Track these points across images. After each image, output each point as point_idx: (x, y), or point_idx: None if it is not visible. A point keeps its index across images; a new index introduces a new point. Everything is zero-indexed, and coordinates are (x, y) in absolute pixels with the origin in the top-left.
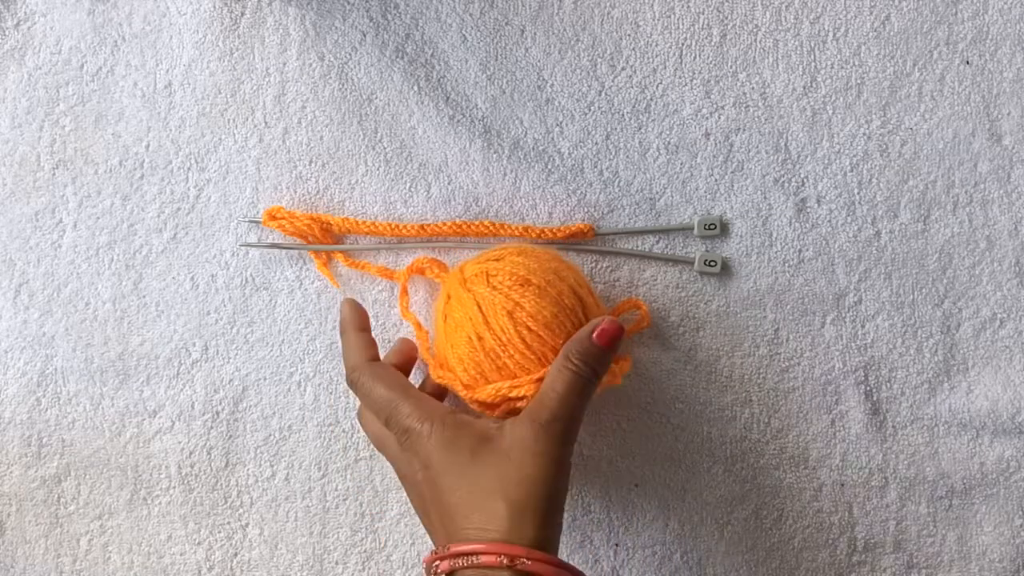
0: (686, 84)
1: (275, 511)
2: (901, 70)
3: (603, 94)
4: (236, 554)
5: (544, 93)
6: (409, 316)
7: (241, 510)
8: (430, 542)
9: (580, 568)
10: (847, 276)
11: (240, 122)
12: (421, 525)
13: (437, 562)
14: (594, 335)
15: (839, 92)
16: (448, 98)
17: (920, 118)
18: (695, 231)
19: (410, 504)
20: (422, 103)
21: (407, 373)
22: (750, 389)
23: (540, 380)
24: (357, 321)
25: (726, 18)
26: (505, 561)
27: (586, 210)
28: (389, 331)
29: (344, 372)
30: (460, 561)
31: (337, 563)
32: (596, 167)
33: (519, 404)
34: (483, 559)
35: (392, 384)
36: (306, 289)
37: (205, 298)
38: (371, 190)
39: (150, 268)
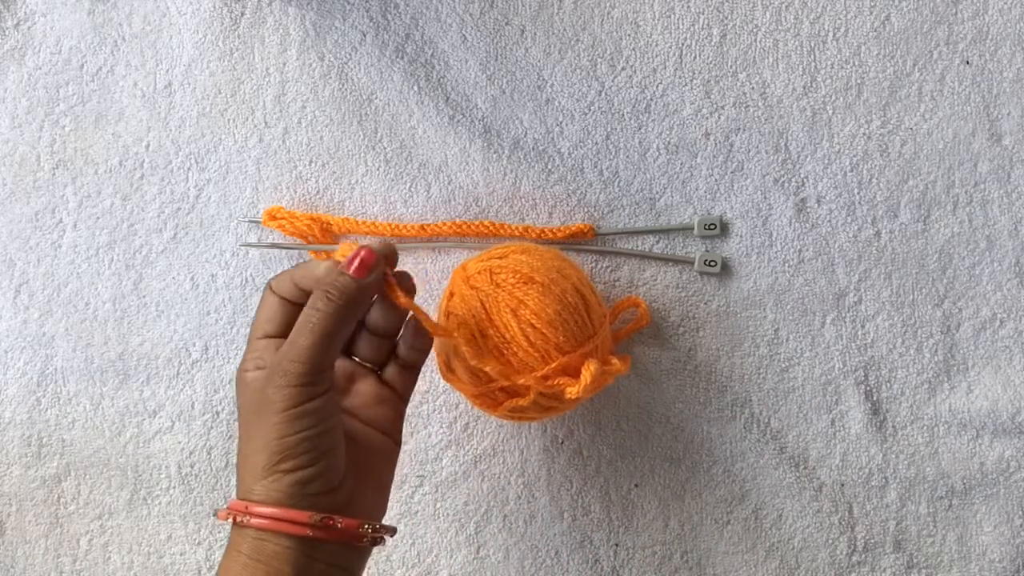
0: (686, 84)
1: None
2: (901, 70)
3: (603, 94)
4: None
5: (544, 93)
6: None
7: None
8: (430, 542)
9: (578, 568)
10: (847, 276)
11: (240, 122)
12: (421, 525)
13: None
14: (344, 268)
15: (839, 92)
16: (448, 98)
17: (920, 118)
18: (695, 231)
19: (411, 503)
20: (422, 103)
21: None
22: (750, 389)
23: (543, 377)
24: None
25: (726, 18)
26: (232, 519)
27: (586, 210)
28: None
29: None
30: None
31: None
32: (596, 167)
33: (520, 402)
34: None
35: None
36: None
37: (205, 298)
38: (371, 190)
39: (150, 268)
